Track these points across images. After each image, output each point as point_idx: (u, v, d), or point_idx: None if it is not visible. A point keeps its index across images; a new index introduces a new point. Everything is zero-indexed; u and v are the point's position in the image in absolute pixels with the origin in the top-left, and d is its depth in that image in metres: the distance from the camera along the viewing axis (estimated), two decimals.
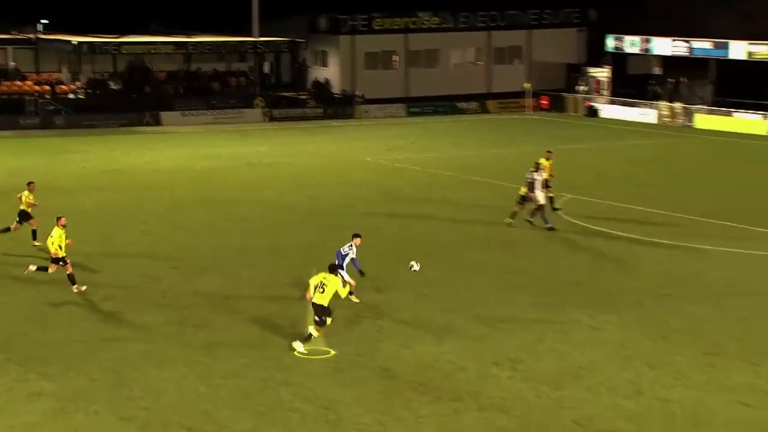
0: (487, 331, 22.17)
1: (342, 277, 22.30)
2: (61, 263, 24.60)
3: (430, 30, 74.83)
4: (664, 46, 67.34)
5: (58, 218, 24.95)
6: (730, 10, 68.44)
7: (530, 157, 50.26)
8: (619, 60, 71.68)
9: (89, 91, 69.07)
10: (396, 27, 74.31)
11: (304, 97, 72.88)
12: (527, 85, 71.79)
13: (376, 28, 74.00)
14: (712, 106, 63.40)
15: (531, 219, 32.46)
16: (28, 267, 25.45)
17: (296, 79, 76.52)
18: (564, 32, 76.89)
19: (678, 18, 69.15)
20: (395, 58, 74.76)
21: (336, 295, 20.87)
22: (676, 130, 61.67)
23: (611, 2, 74.32)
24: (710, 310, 23.58)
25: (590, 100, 70.69)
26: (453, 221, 34.42)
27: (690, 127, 62.45)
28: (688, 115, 63.47)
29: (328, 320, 20.75)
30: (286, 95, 72.64)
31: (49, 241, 24.66)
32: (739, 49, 62.58)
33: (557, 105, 72.46)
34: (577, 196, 38.19)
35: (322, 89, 73.53)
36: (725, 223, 33.47)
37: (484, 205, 37.36)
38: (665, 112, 65.02)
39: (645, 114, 66.14)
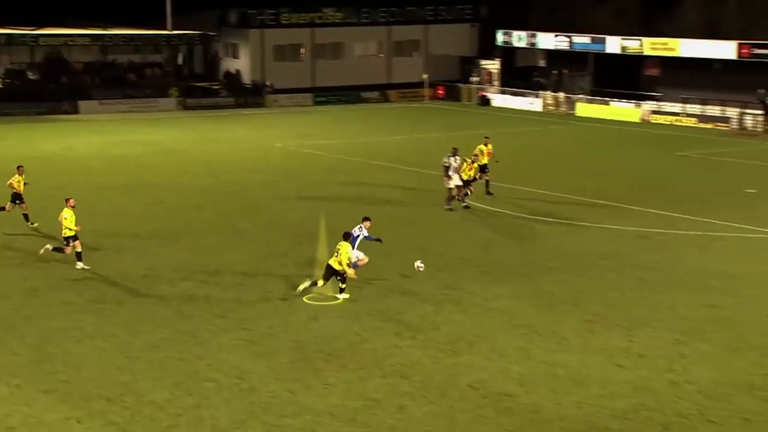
0: (389, 303, 22.33)
1: (351, 252, 22.56)
2: (71, 241, 24.59)
3: (334, 24, 74.67)
4: (547, 40, 68.33)
5: (67, 200, 24.93)
6: (606, 8, 69.77)
7: (429, 143, 50.89)
8: (507, 53, 72.49)
9: (7, 80, 67.29)
10: (303, 21, 73.97)
11: (216, 87, 72.26)
12: (425, 76, 72.18)
13: (284, 22, 73.59)
14: (591, 95, 64.54)
15: (449, 205, 32.51)
16: (45, 247, 25.44)
17: (208, 70, 75.72)
18: (458, 27, 77.44)
19: (560, 15, 70.26)
20: (302, 50, 74.45)
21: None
22: (559, 118, 62.68)
23: (501, 0, 75.18)
24: (590, 282, 24.09)
25: (483, 90, 71.36)
26: (357, 202, 34.46)
27: (572, 114, 63.51)
28: (570, 103, 64.51)
29: (349, 272, 22.15)
30: (199, 85, 71.85)
31: (65, 222, 24.50)
32: (614, 44, 63.81)
33: (453, 94, 73.01)
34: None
35: (233, 80, 72.84)
36: (604, 202, 34.16)
37: (387, 187, 37.53)
38: (550, 101, 66.03)
39: (532, 103, 67.05)
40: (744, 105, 55.12)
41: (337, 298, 22.36)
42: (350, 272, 22.28)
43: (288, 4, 74.15)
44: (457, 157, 32.46)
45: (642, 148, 49.20)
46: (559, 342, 19.65)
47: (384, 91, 73.36)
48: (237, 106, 68.34)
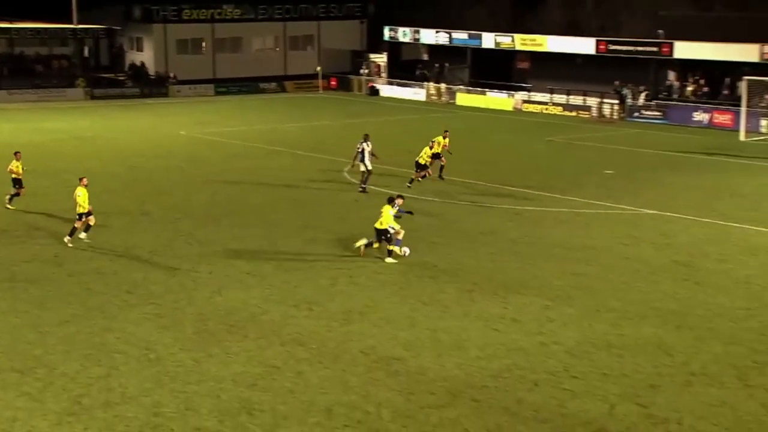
0: (287, 278, 22.22)
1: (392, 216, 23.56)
2: (84, 217, 24.78)
3: (233, 20, 73.72)
4: (430, 36, 68.73)
5: (81, 179, 25.12)
6: (481, 7, 70.61)
7: (323, 130, 50.75)
8: (394, 47, 72.72)
9: None
10: (203, 17, 72.78)
11: (122, 78, 70.53)
12: (318, 69, 71.90)
13: (185, 18, 72.26)
14: (469, 86, 65.24)
15: (364, 186, 32.33)
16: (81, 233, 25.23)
17: (114, 63, 73.81)
18: (348, 23, 77.46)
19: (441, 13, 70.78)
20: (203, 44, 73.28)
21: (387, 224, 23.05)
22: (442, 107, 63.20)
23: None
24: (470, 255, 24.38)
25: (372, 81, 71.41)
26: (258, 185, 34.20)
27: (453, 104, 64.10)
28: (451, 94, 65.09)
29: (394, 236, 23.38)
30: (106, 76, 69.97)
31: (78, 200, 24.60)
32: (489, 40, 64.59)
33: (344, 85, 72.93)
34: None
35: (138, 71, 71.17)
36: (482, 183, 34.61)
37: (285, 171, 37.28)
38: (433, 92, 66.50)
39: (417, 93, 67.40)
40: (602, 95, 56.51)
41: (385, 262, 23.24)
42: (396, 249, 23.30)
43: (189, 0, 72.94)
44: (369, 143, 32.29)
45: (515, 133, 50.00)
46: (442, 310, 19.86)
47: (281, 82, 72.86)
48: (142, 96, 66.89)
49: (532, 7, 71.46)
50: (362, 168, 32.27)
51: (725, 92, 52.42)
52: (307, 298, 20.63)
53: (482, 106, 62.01)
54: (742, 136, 45.52)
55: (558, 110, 58.23)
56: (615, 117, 55.17)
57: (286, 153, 42.21)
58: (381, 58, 72.77)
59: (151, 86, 68.58)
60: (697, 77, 54.43)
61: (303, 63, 74.41)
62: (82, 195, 24.59)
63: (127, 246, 25.11)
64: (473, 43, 65.65)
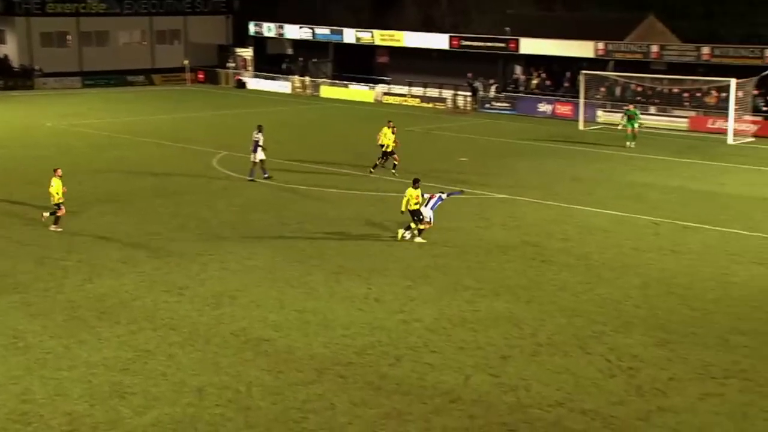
0: (159, 264, 21.74)
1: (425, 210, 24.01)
2: (61, 206, 24.54)
3: (99, 14, 71.23)
4: (294, 31, 68.28)
5: (55, 170, 24.79)
6: (342, 4, 70.66)
7: (191, 122, 49.70)
8: (259, 42, 71.88)
9: None
10: (68, 11, 69.96)
11: None
12: (186, 62, 70.39)
13: (50, 11, 69.29)
14: (333, 79, 65.22)
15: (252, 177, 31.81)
16: (43, 214, 24.99)
17: None
18: (214, 18, 76.11)
19: (304, 9, 70.44)
20: (69, 37, 70.48)
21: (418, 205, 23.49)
22: (307, 99, 62.94)
23: None
24: (335, 239, 24.42)
25: (239, 74, 70.45)
26: (126, 174, 33.26)
27: (317, 96, 63.94)
28: (316, 86, 64.89)
29: (424, 218, 23.90)
30: None
31: (52, 189, 24.39)
32: (350, 35, 64.71)
33: (212, 78, 71.66)
34: (230, 153, 38.14)
35: (2, 64, 67.81)
36: (347, 171, 34.66)
37: (153, 161, 36.37)
38: (298, 85, 66.11)
39: (282, 86, 66.89)
40: (456, 87, 57.55)
41: (406, 238, 23.89)
42: (402, 232, 23.89)
43: None
44: (261, 134, 31.60)
45: (376, 124, 49.95)
46: (309, 292, 19.85)
47: (149, 75, 70.94)
48: (6, 88, 63.75)
49: (390, 4, 72.09)
50: (255, 158, 31.70)
51: (566, 85, 54.28)
52: (178, 283, 20.24)
53: (345, 98, 62.11)
54: (581, 126, 47.25)
55: (416, 102, 58.94)
56: (468, 108, 56.28)
57: (155, 144, 41.19)
58: (247, 52, 71.82)
59: (15, 78, 65.50)
60: (540, 71, 56.15)
61: (170, 57, 72.67)
62: (55, 185, 24.36)
63: None
64: (335, 38, 65.64)
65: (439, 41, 60.16)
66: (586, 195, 30.30)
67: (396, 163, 33.84)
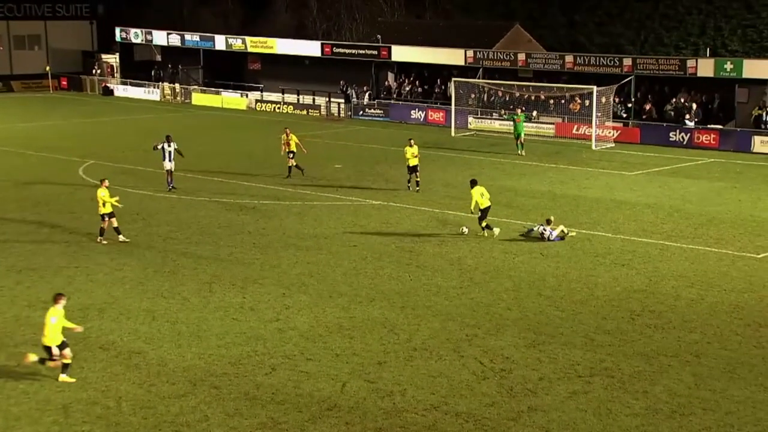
0: (20, 278, 20.90)
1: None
2: (107, 218, 24.09)
3: None
4: (162, 37, 66.96)
5: (102, 180, 24.54)
6: (211, 10, 69.75)
7: (55, 129, 47.97)
8: (126, 48, 70.13)
9: None
10: None
11: None
12: (48, 68, 67.96)
13: None
14: (204, 86, 64.31)
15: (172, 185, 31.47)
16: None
17: None
18: (77, 24, 73.69)
19: (172, 15, 69.17)
20: None
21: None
22: (177, 107, 61.80)
23: (117, 0, 72.61)
24: (209, 248, 24.08)
25: (105, 81, 68.53)
26: None
27: (189, 103, 62.87)
28: (187, 94, 63.82)
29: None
30: None
31: (103, 199, 23.87)
32: (221, 42, 63.94)
33: (76, 85, 69.44)
34: (97, 161, 37.01)
35: None
36: (219, 179, 34.21)
37: (16, 171, 34.93)
38: (168, 92, 64.85)
39: (151, 93, 65.47)
40: (330, 95, 57.71)
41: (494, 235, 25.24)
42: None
43: None
44: (173, 143, 31.31)
45: (249, 131, 49.87)
46: (182, 303, 19.50)
47: (7, 81, 68.08)
48: None
49: (261, 10, 71.67)
50: (166, 167, 31.33)
51: (437, 92, 55.24)
52: (41, 297, 19.46)
53: (218, 105, 61.30)
54: (453, 132, 48.18)
55: (290, 109, 58.75)
56: (342, 115, 56.53)
57: (16, 153, 39.56)
58: (113, 59, 69.98)
59: None
60: (412, 78, 56.95)
61: (31, 62, 69.97)
62: (104, 195, 23.94)
63: None
64: (206, 45, 64.71)
65: (311, 48, 60.21)
66: (457, 200, 30.86)
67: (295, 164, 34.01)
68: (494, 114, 50.56)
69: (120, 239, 24.30)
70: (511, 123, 42.33)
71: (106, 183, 24.46)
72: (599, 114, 44.87)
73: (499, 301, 20.00)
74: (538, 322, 18.70)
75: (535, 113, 47.90)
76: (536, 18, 69.47)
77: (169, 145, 31.33)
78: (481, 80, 51.38)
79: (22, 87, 68.07)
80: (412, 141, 32.23)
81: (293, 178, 34.15)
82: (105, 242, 24.09)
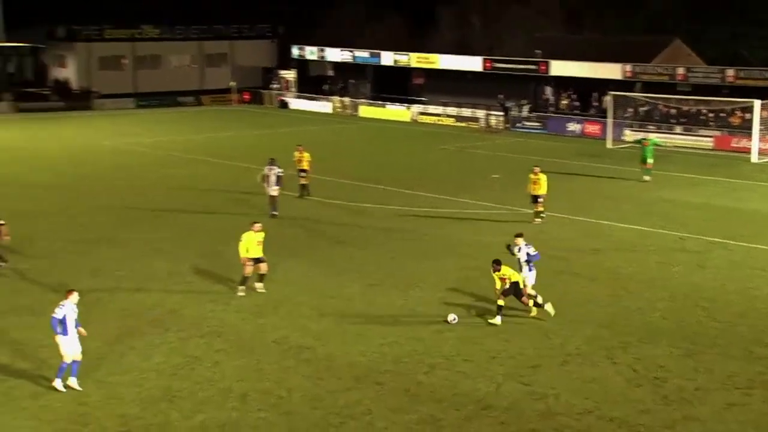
0: (204, 276, 21.88)
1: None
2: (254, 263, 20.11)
3: (153, 39, 72.38)
4: (334, 54, 68.63)
5: (252, 224, 20.39)
6: (380, 28, 70.76)
7: (238, 140, 50.13)
8: (302, 65, 72.33)
9: None
10: (124, 36, 71.24)
11: (46, 92, 68.29)
12: (232, 84, 71.07)
13: (107, 37, 70.61)
14: (371, 100, 65.42)
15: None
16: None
17: (38, 78, 71.50)
18: (259, 43, 76.82)
19: (344, 33, 70.75)
20: (124, 61, 71.60)
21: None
22: (346, 118, 63.17)
23: (295, 20, 75.07)
24: (372, 253, 24.40)
25: (282, 95, 70.94)
26: (178, 189, 33.56)
27: (356, 116, 64.13)
28: (355, 107, 65.13)
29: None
30: (31, 91, 67.64)
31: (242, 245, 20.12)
32: (388, 58, 64.86)
33: (257, 99, 72.18)
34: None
35: (62, 86, 69.08)
36: (383, 186, 34.62)
37: (201, 178, 36.68)
38: (338, 105, 66.39)
39: (323, 106, 67.21)
40: (489, 108, 57.40)
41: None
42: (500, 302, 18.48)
43: (110, 21, 71.40)
44: (274, 167, 28.26)
45: (412, 142, 50.34)
46: (347, 303, 19.85)
47: (198, 96, 71.69)
48: (67, 109, 64.76)
49: (426, 28, 72.19)
50: (270, 192, 28.40)
51: (594, 105, 53.89)
52: (223, 293, 20.34)
53: (383, 117, 62.22)
54: (608, 144, 46.86)
55: (450, 121, 58.87)
56: (500, 127, 56.11)
57: (202, 161, 41.57)
58: (290, 74, 72.34)
59: (75, 100, 66.59)
60: (570, 92, 55.82)
61: (218, 78, 73.43)
62: (245, 241, 20.12)
63: (51, 249, 24.34)
64: (374, 61, 65.85)
65: (472, 63, 60.08)
66: (612, 211, 30.01)
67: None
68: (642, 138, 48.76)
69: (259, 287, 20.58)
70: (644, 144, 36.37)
71: (257, 227, 20.49)
72: (761, 127, 42.49)
73: (654, 310, 19.26)
74: (694, 332, 17.87)
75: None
76: (696, 32, 66.52)
77: (271, 170, 28.26)
78: (638, 94, 49.74)
79: (210, 101, 71.42)
80: (537, 169, 28.16)
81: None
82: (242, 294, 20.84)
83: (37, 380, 15.20)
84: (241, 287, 20.24)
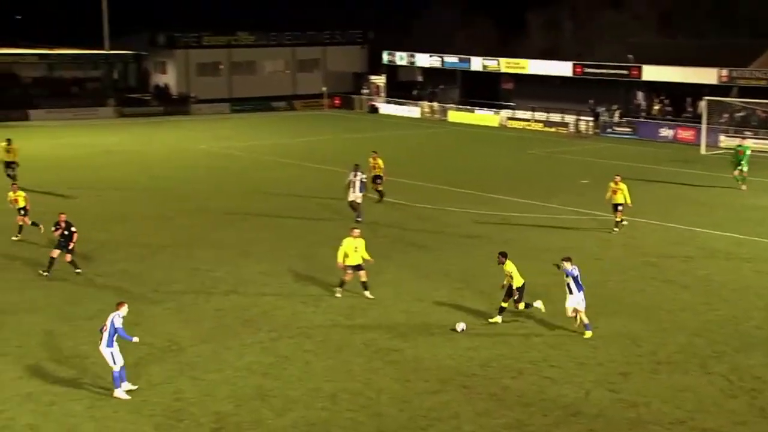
0: (296, 277, 22.17)
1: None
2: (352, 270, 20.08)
3: (248, 46, 74.00)
4: (424, 59, 68.70)
5: (353, 228, 20.48)
6: (470, 33, 70.39)
7: (328, 144, 50.70)
8: (391, 70, 72.62)
9: None
10: (221, 43, 73.04)
11: (147, 98, 70.57)
12: (324, 89, 71.91)
13: (205, 43, 72.53)
14: (459, 104, 65.19)
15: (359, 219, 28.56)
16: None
17: (140, 84, 73.92)
18: (350, 48, 77.61)
19: (433, 39, 70.76)
20: (221, 67, 73.39)
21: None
22: (434, 123, 63.16)
23: (385, 26, 75.49)
24: (459, 257, 24.31)
25: (372, 100, 71.39)
26: (270, 195, 34.13)
27: (445, 120, 64.05)
28: (443, 111, 65.03)
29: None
30: (133, 96, 70.03)
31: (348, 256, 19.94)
32: (477, 63, 64.54)
33: (347, 104, 72.84)
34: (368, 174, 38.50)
35: (162, 92, 71.21)
36: (469, 191, 34.48)
37: (293, 181, 37.18)
38: (427, 110, 66.43)
39: (412, 111, 67.35)
40: (578, 113, 56.49)
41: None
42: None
43: (208, 28, 73.32)
44: (359, 173, 27.98)
45: (501, 147, 49.98)
46: (434, 306, 19.82)
47: (290, 101, 72.80)
48: (166, 114, 66.75)
49: (515, 33, 71.55)
50: (350, 198, 28.11)
51: (688, 110, 52.43)
52: (313, 295, 20.58)
53: (471, 122, 61.94)
54: (702, 150, 45.49)
55: (539, 126, 58.20)
56: (590, 132, 55.14)
57: (294, 165, 42.17)
58: (380, 79, 72.76)
59: (174, 105, 68.57)
60: (662, 97, 54.43)
61: (310, 84, 74.48)
62: (344, 246, 19.91)
63: (150, 248, 25.08)
64: (463, 66, 65.62)
65: (562, 68, 59.24)
66: (705, 218, 29.14)
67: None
68: (746, 132, 47.10)
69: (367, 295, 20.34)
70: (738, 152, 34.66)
71: (356, 233, 20.33)
72: None
73: (748, 319, 18.61)
74: None
75: None
76: None
77: (356, 176, 27.89)
78: (735, 99, 48.12)
79: (302, 105, 72.46)
80: (618, 177, 27.12)
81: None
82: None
83: (140, 375, 15.67)
84: (338, 288, 20.42)
